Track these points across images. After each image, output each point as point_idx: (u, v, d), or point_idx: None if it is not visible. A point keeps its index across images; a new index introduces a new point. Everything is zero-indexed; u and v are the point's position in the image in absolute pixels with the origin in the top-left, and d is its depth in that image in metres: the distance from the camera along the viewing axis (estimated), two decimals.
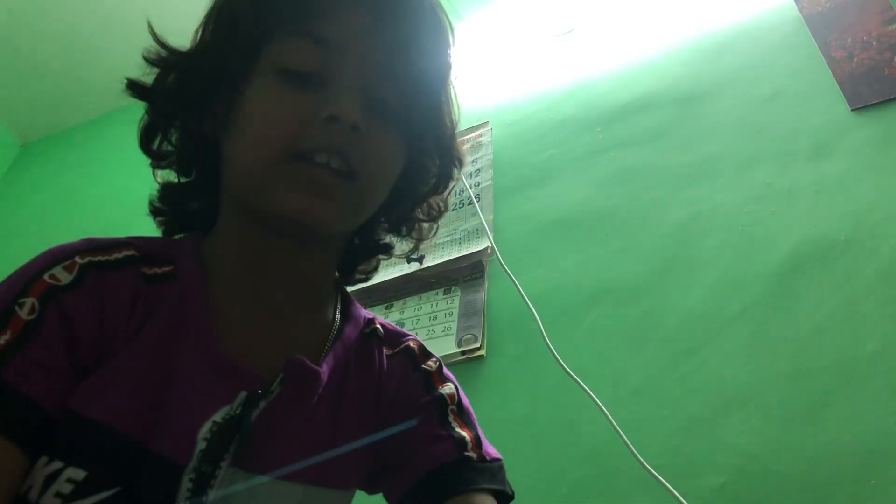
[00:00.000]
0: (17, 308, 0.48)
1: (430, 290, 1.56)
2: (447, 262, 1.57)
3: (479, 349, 1.42)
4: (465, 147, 1.83)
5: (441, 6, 0.61)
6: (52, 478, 0.46)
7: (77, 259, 0.53)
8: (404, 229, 0.69)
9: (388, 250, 0.71)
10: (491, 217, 1.62)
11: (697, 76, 1.66)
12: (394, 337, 0.70)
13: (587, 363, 1.29)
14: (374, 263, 0.72)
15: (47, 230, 2.48)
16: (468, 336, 1.44)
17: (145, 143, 0.66)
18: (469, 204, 1.67)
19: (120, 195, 2.44)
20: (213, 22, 0.62)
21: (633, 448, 1.14)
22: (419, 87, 0.60)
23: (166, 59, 0.63)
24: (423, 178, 0.66)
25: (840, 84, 1.45)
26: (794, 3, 1.64)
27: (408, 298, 1.57)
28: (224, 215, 0.62)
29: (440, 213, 0.70)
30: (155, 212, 0.73)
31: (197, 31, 0.64)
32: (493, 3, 2.02)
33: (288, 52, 0.56)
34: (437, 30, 0.60)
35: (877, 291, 1.18)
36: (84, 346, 0.50)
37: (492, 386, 1.37)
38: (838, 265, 1.23)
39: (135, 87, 0.62)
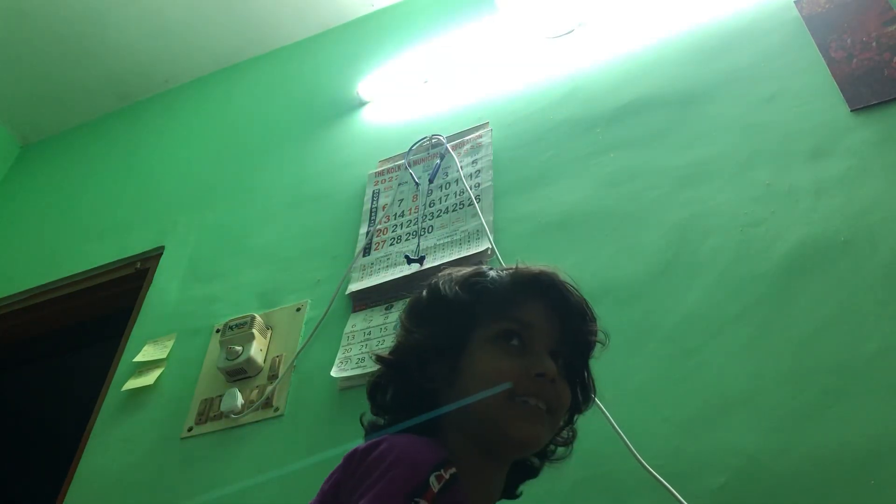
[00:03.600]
0: None
1: None
2: (447, 263, 1.57)
3: None
4: (466, 147, 1.83)
5: (585, 299, 0.89)
6: None
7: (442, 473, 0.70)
8: (546, 455, 0.92)
9: (535, 473, 0.93)
10: (491, 218, 1.62)
11: (697, 76, 1.66)
12: None
13: None
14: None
15: (48, 231, 2.49)
16: None
17: (373, 395, 0.90)
18: (469, 205, 1.67)
19: (120, 197, 2.44)
20: (433, 315, 0.86)
21: (633, 448, 1.14)
22: (578, 350, 0.88)
23: (405, 343, 0.87)
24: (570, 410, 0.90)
25: (840, 85, 1.46)
26: (793, 4, 1.64)
27: (408, 299, 1.57)
28: (449, 441, 0.80)
29: (574, 439, 0.94)
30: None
31: (412, 317, 0.89)
32: (493, 2, 2.02)
33: (499, 329, 0.83)
34: (587, 316, 0.88)
35: (877, 291, 1.18)
36: None
37: None
38: (838, 265, 1.23)
39: (380, 360, 0.89)
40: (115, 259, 2.19)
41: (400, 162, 1.89)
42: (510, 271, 0.88)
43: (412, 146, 1.90)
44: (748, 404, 1.15)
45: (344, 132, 2.15)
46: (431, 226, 1.69)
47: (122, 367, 1.84)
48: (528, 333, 0.83)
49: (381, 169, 1.93)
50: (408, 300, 0.93)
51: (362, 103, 2.19)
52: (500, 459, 0.82)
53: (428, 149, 1.89)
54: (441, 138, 1.88)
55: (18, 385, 2.95)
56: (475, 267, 0.90)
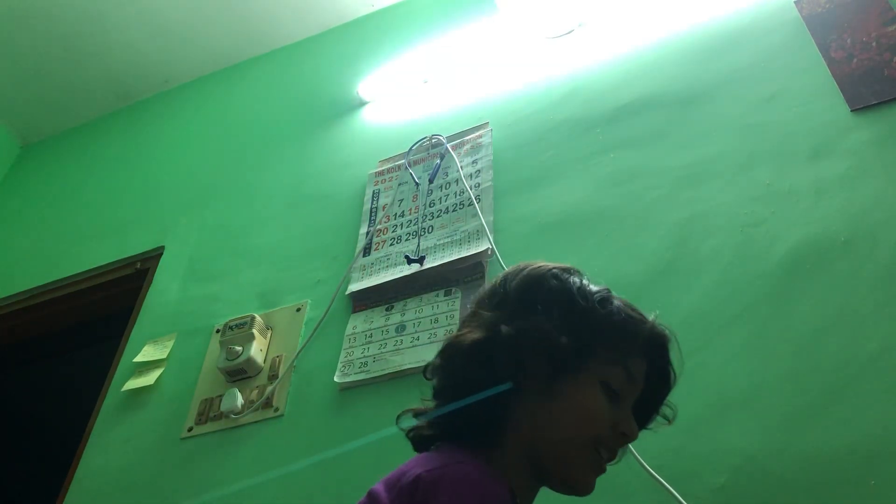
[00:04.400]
0: None
1: (431, 291, 1.57)
2: (447, 263, 1.57)
3: None
4: (466, 147, 1.83)
5: (671, 366, 0.88)
6: None
7: None
8: None
9: None
10: (491, 218, 1.62)
11: (697, 77, 1.66)
12: None
13: None
14: None
15: (48, 231, 2.49)
16: None
17: (453, 358, 0.84)
18: (469, 205, 1.67)
19: (120, 197, 2.44)
20: (567, 312, 0.81)
21: (632, 448, 1.14)
22: (656, 399, 0.90)
23: (533, 322, 0.80)
24: None
25: (840, 85, 1.46)
26: (793, 4, 1.64)
27: (408, 300, 1.57)
28: (508, 454, 0.80)
29: None
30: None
31: (535, 301, 0.83)
32: (493, 2, 2.02)
33: (613, 374, 0.80)
34: (669, 392, 0.90)
35: (877, 291, 1.18)
36: None
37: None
38: (838, 265, 1.23)
39: (498, 328, 0.81)
40: (115, 259, 2.19)
41: (400, 162, 1.89)
42: (635, 312, 0.86)
43: (412, 146, 1.90)
44: (748, 404, 1.15)
45: (344, 132, 2.15)
46: (431, 226, 1.69)
47: (122, 367, 1.84)
48: (628, 387, 0.82)
49: (381, 169, 1.93)
50: (529, 272, 0.86)
51: (362, 103, 2.19)
52: (542, 484, 0.83)
53: (428, 149, 1.89)
54: (441, 138, 1.88)
55: (18, 385, 2.95)
56: (601, 286, 0.86)
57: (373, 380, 1.47)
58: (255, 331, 1.63)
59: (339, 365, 1.52)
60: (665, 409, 0.91)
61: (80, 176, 2.65)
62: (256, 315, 1.67)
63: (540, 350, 0.79)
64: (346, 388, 1.48)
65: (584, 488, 0.80)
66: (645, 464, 1.12)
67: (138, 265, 2.16)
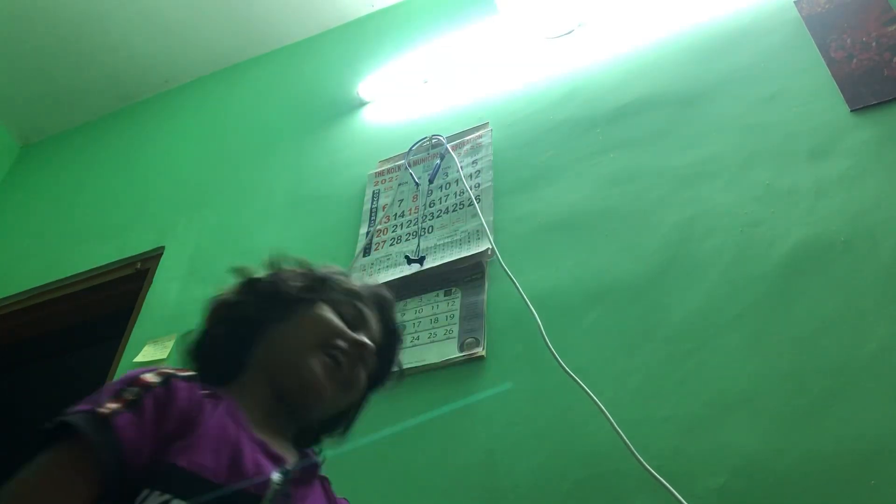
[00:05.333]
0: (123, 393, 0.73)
1: (431, 291, 1.57)
2: (447, 263, 1.57)
3: (479, 350, 1.42)
4: (466, 148, 1.83)
5: (396, 320, 1.02)
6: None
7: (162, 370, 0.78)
8: (325, 433, 0.98)
9: (317, 443, 0.97)
10: (491, 218, 1.62)
11: (697, 76, 1.66)
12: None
13: (587, 363, 1.30)
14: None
15: (48, 231, 2.49)
16: (470, 340, 1.44)
17: (217, 311, 0.97)
18: (469, 205, 1.67)
19: (120, 197, 2.44)
20: (301, 273, 0.96)
21: (633, 448, 1.14)
22: (386, 367, 0.99)
23: (273, 274, 0.95)
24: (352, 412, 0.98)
25: (839, 85, 1.46)
26: (793, 4, 1.64)
27: (408, 300, 1.57)
28: (246, 385, 0.88)
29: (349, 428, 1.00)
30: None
31: (279, 272, 0.96)
32: (493, 3, 2.02)
33: (343, 305, 0.93)
34: (400, 343, 1.03)
35: (877, 291, 1.18)
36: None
37: (492, 387, 1.37)
38: (838, 265, 1.23)
39: (240, 272, 0.97)
40: (115, 259, 2.19)
41: (400, 162, 1.89)
42: (369, 283, 1.03)
43: (412, 146, 1.90)
44: (748, 404, 1.15)
45: (344, 132, 2.15)
46: (431, 226, 1.69)
47: (122, 368, 1.84)
48: (362, 324, 0.93)
49: (381, 169, 1.93)
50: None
51: (362, 103, 2.19)
52: (284, 404, 0.86)
53: (428, 149, 1.89)
54: (441, 138, 1.88)
55: (18, 385, 2.95)
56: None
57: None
58: None
59: None
60: (397, 367, 1.01)
61: (80, 176, 2.65)
62: None
63: (282, 293, 0.91)
64: None
65: (318, 385, 0.84)
66: (645, 464, 1.12)
67: (138, 265, 2.16)
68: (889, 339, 1.12)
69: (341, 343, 0.88)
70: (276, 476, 0.77)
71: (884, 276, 1.19)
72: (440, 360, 1.43)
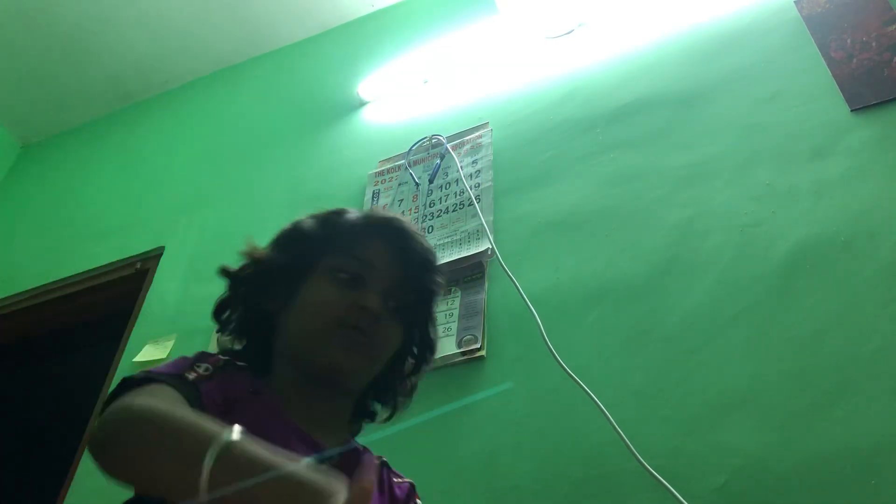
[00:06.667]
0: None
1: None
2: (448, 263, 1.57)
3: (479, 350, 1.42)
4: (466, 148, 1.83)
5: (431, 249, 0.92)
6: None
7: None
8: (386, 399, 0.95)
9: (373, 417, 0.95)
10: (491, 218, 1.62)
11: (697, 76, 1.66)
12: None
13: (587, 363, 1.30)
14: (360, 425, 0.95)
15: (48, 231, 2.49)
16: (468, 337, 1.44)
17: (219, 314, 0.90)
18: (469, 205, 1.67)
19: (120, 197, 2.44)
20: (287, 241, 0.93)
21: (633, 448, 1.14)
22: (418, 297, 0.91)
23: (254, 259, 0.91)
24: (406, 359, 0.94)
25: (840, 85, 1.46)
26: (793, 4, 1.64)
27: None
28: (278, 375, 0.86)
29: (413, 392, 0.96)
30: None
31: (270, 244, 0.94)
32: (493, 3, 2.02)
33: (341, 263, 0.87)
34: (428, 265, 0.92)
35: (877, 291, 1.18)
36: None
37: (492, 386, 1.37)
38: (838, 265, 1.23)
39: (226, 273, 0.91)
40: (116, 259, 2.19)
41: (400, 162, 1.89)
42: (364, 213, 0.93)
43: (412, 146, 1.90)
44: (748, 404, 1.15)
45: (344, 132, 2.15)
46: (432, 226, 1.69)
47: (122, 368, 1.84)
48: (366, 272, 0.86)
49: (381, 169, 1.93)
50: None
51: (362, 103, 2.19)
52: (320, 387, 0.84)
53: (428, 149, 1.89)
54: (441, 138, 1.88)
55: (18, 385, 2.95)
56: (337, 208, 0.95)
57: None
58: None
59: None
60: (433, 285, 0.92)
61: (80, 176, 2.65)
62: None
63: (272, 273, 0.88)
64: None
65: (341, 363, 0.81)
66: (645, 464, 1.12)
67: (138, 265, 2.16)
68: (889, 338, 1.12)
69: (348, 316, 0.83)
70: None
71: (884, 276, 1.19)
72: (439, 358, 1.43)
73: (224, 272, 0.91)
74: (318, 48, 2.53)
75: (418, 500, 0.92)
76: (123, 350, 1.89)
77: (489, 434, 1.32)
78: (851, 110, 1.41)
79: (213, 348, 1.70)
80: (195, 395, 0.71)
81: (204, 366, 0.76)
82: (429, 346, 0.95)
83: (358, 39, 2.43)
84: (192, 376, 0.73)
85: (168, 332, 1.85)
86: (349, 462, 0.82)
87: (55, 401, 3.08)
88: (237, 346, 0.90)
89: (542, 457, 1.24)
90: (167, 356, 1.78)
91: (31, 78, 2.74)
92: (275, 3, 2.51)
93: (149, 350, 1.82)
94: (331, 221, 0.92)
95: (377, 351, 0.86)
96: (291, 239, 0.93)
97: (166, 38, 2.62)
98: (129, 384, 0.71)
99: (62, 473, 1.71)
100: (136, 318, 1.97)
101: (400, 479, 0.92)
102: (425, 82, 2.11)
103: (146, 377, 0.71)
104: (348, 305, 0.84)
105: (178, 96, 2.73)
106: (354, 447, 0.88)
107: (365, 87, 2.18)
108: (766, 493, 1.06)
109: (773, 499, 1.05)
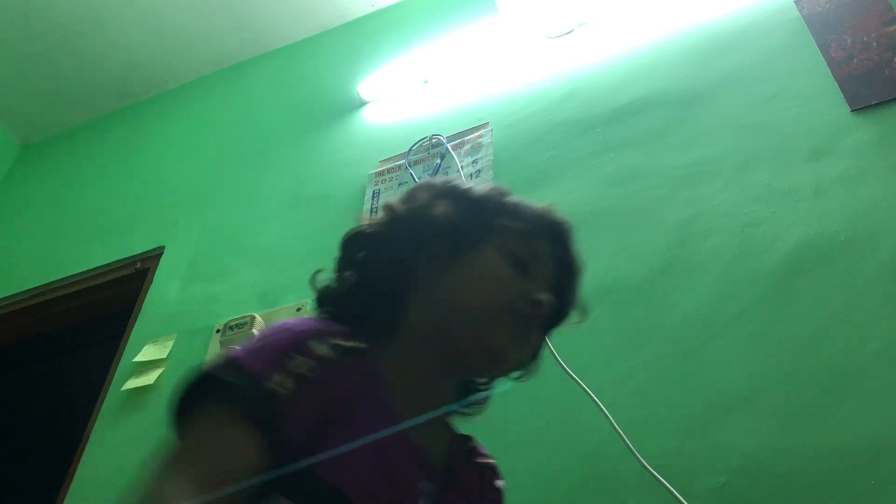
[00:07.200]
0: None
1: None
2: None
3: None
4: (466, 147, 1.83)
5: (582, 268, 0.87)
6: None
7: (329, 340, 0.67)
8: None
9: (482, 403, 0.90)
10: None
11: (697, 76, 1.66)
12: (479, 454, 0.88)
13: (587, 363, 1.29)
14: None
15: (48, 231, 2.49)
16: None
17: (352, 247, 0.81)
18: None
19: (120, 196, 2.44)
20: (463, 199, 0.81)
21: (633, 448, 1.14)
22: (558, 314, 0.84)
23: (420, 205, 0.82)
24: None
25: (840, 85, 1.46)
26: (793, 4, 1.64)
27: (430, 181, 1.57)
28: (402, 349, 0.75)
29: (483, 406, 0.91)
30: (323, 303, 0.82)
31: (438, 192, 0.83)
32: (493, 3, 2.02)
33: (516, 246, 0.78)
34: (578, 282, 0.87)
35: (877, 291, 1.18)
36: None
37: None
38: (838, 265, 1.23)
39: (389, 210, 0.83)
40: (116, 259, 2.19)
41: (400, 162, 1.89)
42: (538, 207, 0.86)
43: (412, 146, 1.90)
44: (748, 404, 1.15)
45: (344, 132, 2.15)
46: None
47: (122, 367, 1.84)
48: (535, 266, 0.79)
49: (381, 169, 1.93)
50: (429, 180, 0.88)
51: (362, 103, 2.19)
52: (451, 370, 0.77)
53: (428, 149, 1.89)
54: (441, 138, 1.88)
55: (18, 385, 2.95)
56: (499, 185, 0.87)
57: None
58: (255, 331, 1.63)
59: None
60: (571, 305, 0.86)
61: (81, 176, 2.65)
62: (257, 315, 1.67)
63: (439, 226, 0.77)
64: None
65: (502, 356, 0.74)
66: (645, 464, 1.12)
67: (138, 265, 2.16)
68: (889, 338, 1.12)
69: (523, 305, 0.75)
70: (426, 487, 0.69)
71: (884, 276, 1.19)
72: None
73: (387, 209, 0.82)
74: (318, 48, 2.53)
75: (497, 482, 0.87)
76: (123, 350, 1.89)
77: (489, 434, 1.31)
78: (851, 110, 1.41)
79: (212, 348, 1.71)
80: (278, 428, 0.59)
81: (301, 361, 0.62)
82: (532, 366, 0.87)
83: (358, 39, 2.43)
84: (285, 386, 0.60)
85: (168, 332, 1.85)
86: (458, 453, 0.78)
87: (55, 401, 3.09)
88: (347, 301, 0.78)
89: (542, 457, 1.24)
90: (167, 356, 1.78)
91: (32, 77, 2.74)
92: (275, 3, 2.51)
93: (149, 350, 1.82)
94: (510, 199, 0.83)
95: (530, 350, 0.80)
96: (469, 199, 0.81)
97: (167, 37, 2.62)
98: (202, 391, 0.61)
99: (62, 473, 1.71)
100: (136, 317, 1.97)
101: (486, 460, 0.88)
102: (425, 82, 2.11)
103: (224, 394, 0.59)
104: (523, 294, 0.75)
105: (178, 96, 2.73)
106: (462, 444, 0.82)
107: (365, 86, 2.18)
108: (766, 493, 1.06)
109: (773, 499, 1.05)
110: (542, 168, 1.69)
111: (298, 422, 0.60)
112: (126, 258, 2.18)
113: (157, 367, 1.77)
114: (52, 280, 2.25)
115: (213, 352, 1.71)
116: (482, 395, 0.88)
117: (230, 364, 0.61)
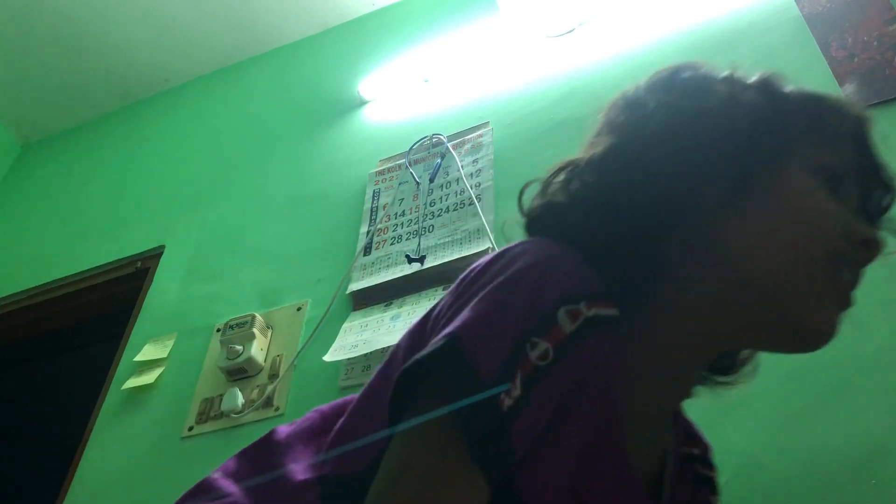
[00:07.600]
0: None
1: (431, 288, 1.57)
2: (448, 262, 1.57)
3: None
4: (466, 147, 1.83)
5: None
6: None
7: (582, 308, 0.46)
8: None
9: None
10: (492, 217, 1.62)
11: None
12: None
13: None
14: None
15: (48, 231, 2.49)
16: None
17: (606, 167, 0.55)
18: (470, 204, 1.67)
19: (120, 196, 2.44)
20: (732, 90, 0.56)
21: None
22: (880, 212, 0.62)
23: (683, 112, 0.56)
24: None
25: (841, 84, 1.45)
26: (794, 3, 1.64)
27: (406, 297, 1.57)
28: (662, 309, 0.53)
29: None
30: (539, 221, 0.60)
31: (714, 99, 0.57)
32: (493, 2, 2.02)
33: (827, 157, 0.54)
34: (892, 174, 0.61)
35: (877, 291, 1.18)
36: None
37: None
38: None
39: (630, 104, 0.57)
40: (116, 258, 2.19)
41: (400, 161, 1.89)
42: (831, 96, 0.61)
43: (413, 145, 1.90)
44: (748, 404, 1.15)
45: (344, 131, 2.15)
46: (432, 225, 1.69)
47: (122, 367, 1.84)
48: (846, 187, 0.56)
49: (381, 168, 1.92)
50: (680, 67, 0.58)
51: (363, 102, 2.19)
52: (710, 357, 0.55)
53: (428, 148, 1.89)
54: (442, 137, 1.88)
55: (18, 385, 2.95)
56: (775, 72, 0.59)
57: (362, 358, 1.48)
58: (255, 330, 1.63)
59: (332, 349, 1.52)
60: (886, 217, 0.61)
61: (80, 175, 2.65)
62: (257, 314, 1.67)
63: (717, 136, 0.53)
64: (347, 388, 1.48)
65: (826, 330, 0.54)
66: None
67: (138, 264, 2.16)
68: (889, 338, 1.12)
69: (851, 249, 0.54)
70: None
71: (884, 276, 1.19)
72: None
73: (626, 102, 0.57)
74: (318, 47, 2.53)
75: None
76: (123, 350, 1.89)
77: None
78: None
79: (212, 348, 1.71)
80: (506, 465, 0.45)
81: (544, 348, 0.45)
82: None
83: (358, 38, 2.43)
84: (512, 396, 0.44)
85: (168, 331, 1.85)
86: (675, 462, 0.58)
87: (55, 401, 3.09)
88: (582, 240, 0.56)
89: None
90: (167, 355, 1.78)
91: (32, 77, 2.74)
92: (275, 2, 2.51)
93: (149, 349, 1.82)
94: (813, 93, 0.60)
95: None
96: (766, 89, 0.57)
97: (166, 37, 2.62)
98: (421, 380, 0.47)
99: (62, 473, 1.71)
100: (137, 317, 1.97)
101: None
102: (426, 81, 2.11)
103: (445, 397, 0.45)
104: (850, 233, 0.54)
105: (178, 95, 2.73)
106: (681, 448, 0.61)
107: (365, 85, 2.18)
108: (766, 493, 1.06)
109: (773, 499, 1.05)
110: (543, 167, 1.68)
111: (522, 439, 0.45)
112: (126, 257, 2.18)
113: (158, 366, 1.77)
114: (52, 279, 2.25)
115: (213, 351, 1.71)
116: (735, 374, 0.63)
117: (453, 353, 0.45)
